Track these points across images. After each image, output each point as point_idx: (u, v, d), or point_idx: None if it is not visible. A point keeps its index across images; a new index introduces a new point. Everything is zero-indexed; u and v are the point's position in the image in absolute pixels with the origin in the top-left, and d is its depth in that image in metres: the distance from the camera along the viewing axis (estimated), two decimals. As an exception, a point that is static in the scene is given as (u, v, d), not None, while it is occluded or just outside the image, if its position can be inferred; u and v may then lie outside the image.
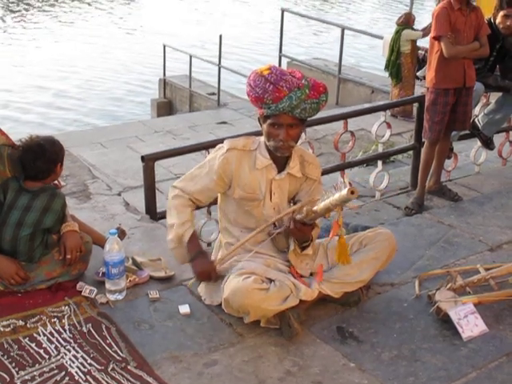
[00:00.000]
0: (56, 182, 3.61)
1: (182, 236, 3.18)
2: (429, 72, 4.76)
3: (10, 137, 3.46)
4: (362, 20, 22.71)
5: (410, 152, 5.72)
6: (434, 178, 5.09)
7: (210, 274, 3.15)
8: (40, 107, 14.04)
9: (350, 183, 3.09)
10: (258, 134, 3.26)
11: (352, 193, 2.59)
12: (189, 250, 3.18)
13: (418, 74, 7.79)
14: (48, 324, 3.03)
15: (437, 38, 4.62)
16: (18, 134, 3.70)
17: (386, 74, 9.44)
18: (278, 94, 2.96)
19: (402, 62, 9.01)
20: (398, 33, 8.99)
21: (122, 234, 3.71)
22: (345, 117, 5.12)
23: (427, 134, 4.81)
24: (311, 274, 3.22)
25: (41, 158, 3.32)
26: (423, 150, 4.97)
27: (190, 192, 3.21)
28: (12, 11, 23.96)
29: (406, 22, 9.04)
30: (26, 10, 24.33)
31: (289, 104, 2.96)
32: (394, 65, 9.05)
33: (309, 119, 3.13)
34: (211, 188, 3.20)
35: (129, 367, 2.74)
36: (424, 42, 8.17)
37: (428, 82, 4.78)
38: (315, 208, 2.85)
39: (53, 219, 3.32)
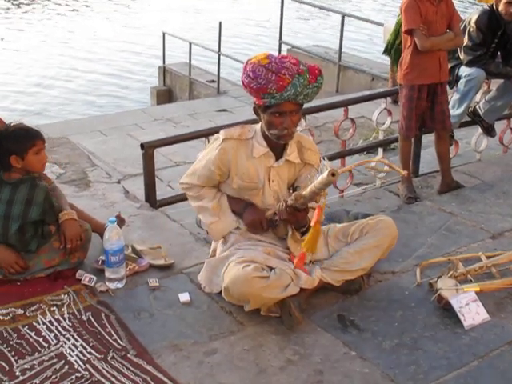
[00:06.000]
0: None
1: (219, 203, 3.19)
2: (403, 67, 4.51)
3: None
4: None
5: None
6: (443, 180, 4.82)
7: (262, 223, 3.14)
8: (38, 95, 13.97)
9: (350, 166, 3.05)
10: (255, 122, 3.22)
11: (333, 175, 2.63)
12: (235, 206, 3.19)
13: None
14: (47, 312, 3.02)
15: (408, 32, 4.37)
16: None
17: (387, 61, 9.36)
18: (282, 83, 2.92)
19: None
20: None
21: (121, 221, 3.69)
22: (345, 104, 5.11)
23: (403, 131, 4.62)
24: (311, 262, 3.20)
25: None
26: (399, 144, 4.78)
27: (195, 184, 3.24)
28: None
29: None
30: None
31: (294, 91, 2.93)
32: (397, 49, 8.96)
33: (310, 107, 3.11)
34: (212, 178, 3.20)
35: (128, 356, 2.73)
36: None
37: (401, 78, 4.55)
38: (303, 193, 2.85)
39: (38, 212, 3.24)
